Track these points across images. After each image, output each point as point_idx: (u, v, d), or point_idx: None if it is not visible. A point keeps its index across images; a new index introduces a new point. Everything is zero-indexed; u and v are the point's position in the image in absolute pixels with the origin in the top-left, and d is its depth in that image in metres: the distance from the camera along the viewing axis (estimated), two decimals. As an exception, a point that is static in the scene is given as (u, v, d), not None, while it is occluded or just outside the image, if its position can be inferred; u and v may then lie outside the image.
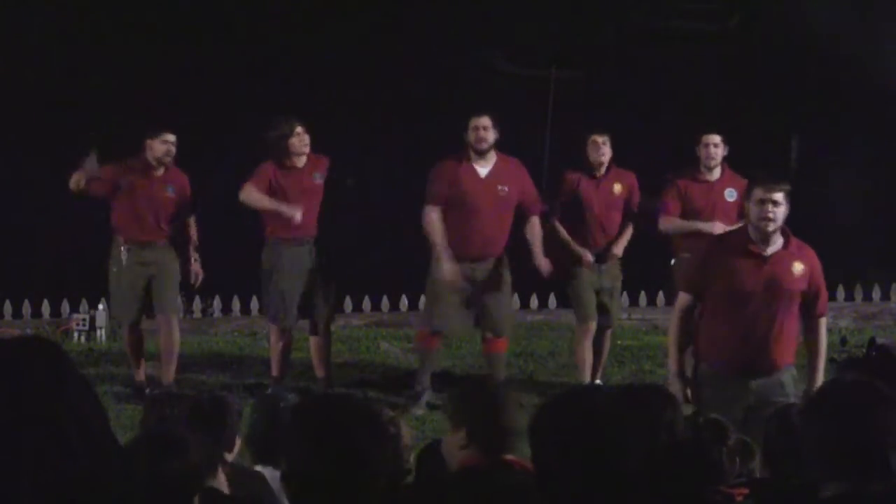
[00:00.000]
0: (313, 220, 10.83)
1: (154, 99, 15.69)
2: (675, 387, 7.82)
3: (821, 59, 17.00)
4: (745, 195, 8.26)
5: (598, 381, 11.09)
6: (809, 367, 8.08)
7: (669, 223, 10.98)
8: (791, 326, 8.00)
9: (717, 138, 10.95)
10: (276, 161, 10.71)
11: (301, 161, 10.75)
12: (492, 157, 10.65)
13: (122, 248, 10.80)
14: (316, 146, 10.88)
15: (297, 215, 10.56)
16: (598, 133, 10.97)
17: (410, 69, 17.91)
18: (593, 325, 11.04)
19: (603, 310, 11.08)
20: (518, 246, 10.92)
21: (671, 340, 8.18)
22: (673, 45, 18.77)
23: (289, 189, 10.71)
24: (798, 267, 7.96)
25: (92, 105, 16.40)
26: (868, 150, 16.37)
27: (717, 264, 8.00)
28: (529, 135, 15.26)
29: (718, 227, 10.57)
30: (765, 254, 7.91)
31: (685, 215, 10.94)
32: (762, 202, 7.83)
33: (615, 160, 11.12)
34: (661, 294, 13.70)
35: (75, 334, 12.66)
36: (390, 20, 18.42)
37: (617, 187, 11.01)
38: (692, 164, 11.05)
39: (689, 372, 8.08)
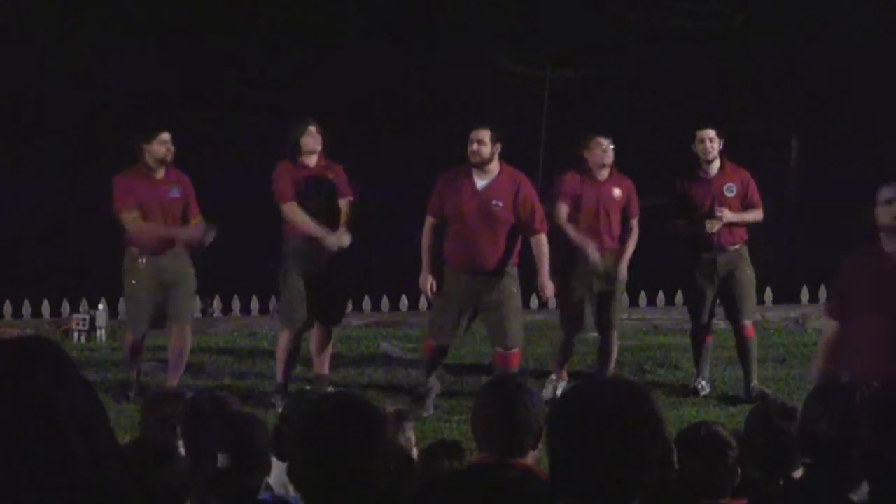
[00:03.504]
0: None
1: (153, 101, 15.69)
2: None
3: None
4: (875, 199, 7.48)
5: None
6: None
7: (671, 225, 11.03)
8: None
9: (711, 133, 10.85)
10: (291, 161, 10.73)
11: (312, 160, 10.74)
12: (493, 171, 10.43)
13: (140, 260, 10.70)
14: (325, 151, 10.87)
15: (342, 242, 10.55)
16: (604, 136, 10.83)
17: (410, 69, 17.92)
18: (575, 333, 11.00)
19: (600, 314, 10.93)
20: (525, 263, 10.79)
21: (819, 363, 7.56)
22: (673, 45, 18.78)
23: (307, 190, 10.71)
24: None
25: (90, 105, 16.41)
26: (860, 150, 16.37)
27: (856, 284, 7.41)
28: (527, 134, 15.26)
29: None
30: None
31: (690, 213, 10.90)
32: (890, 202, 7.27)
33: (615, 162, 11.08)
34: (661, 294, 13.69)
35: (75, 334, 12.64)
36: (390, 20, 18.43)
37: (617, 191, 10.88)
38: (691, 162, 11.01)
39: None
